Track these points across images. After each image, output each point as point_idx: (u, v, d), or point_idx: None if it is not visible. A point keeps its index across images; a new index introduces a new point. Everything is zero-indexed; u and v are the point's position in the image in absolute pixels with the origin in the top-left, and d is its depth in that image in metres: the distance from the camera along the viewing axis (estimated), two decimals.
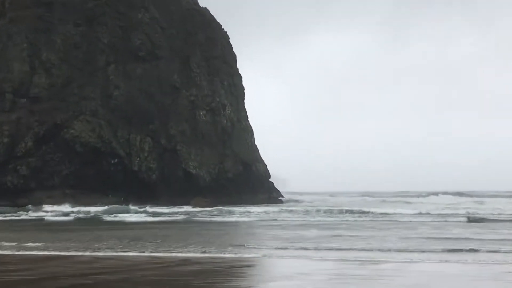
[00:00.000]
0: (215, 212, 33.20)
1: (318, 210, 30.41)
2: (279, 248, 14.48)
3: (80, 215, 32.44)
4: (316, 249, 14.34)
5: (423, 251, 13.82)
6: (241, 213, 31.51)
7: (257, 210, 32.81)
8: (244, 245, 15.30)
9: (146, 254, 13.47)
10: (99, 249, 14.38)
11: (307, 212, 30.62)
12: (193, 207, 39.15)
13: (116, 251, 13.93)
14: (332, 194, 73.15)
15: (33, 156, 45.78)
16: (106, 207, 36.85)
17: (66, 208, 36.44)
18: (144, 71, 50.91)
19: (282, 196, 57.72)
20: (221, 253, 13.70)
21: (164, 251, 14.18)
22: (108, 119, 47.80)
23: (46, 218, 31.24)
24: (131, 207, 37.13)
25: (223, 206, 39.70)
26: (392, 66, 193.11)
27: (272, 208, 34.13)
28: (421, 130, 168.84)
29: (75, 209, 36.22)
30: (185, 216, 30.92)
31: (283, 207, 39.26)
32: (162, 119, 50.16)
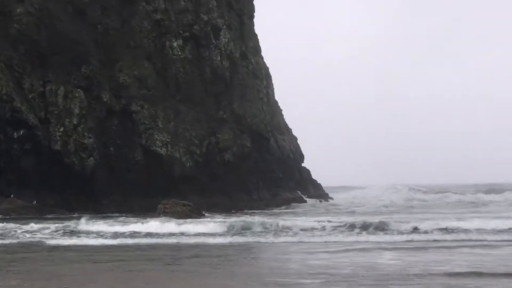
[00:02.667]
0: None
1: (378, 229, 30.66)
2: None
3: None
4: None
5: None
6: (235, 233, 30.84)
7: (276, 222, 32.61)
8: None
9: None
10: None
11: (362, 228, 30.99)
12: (141, 221, 35.43)
13: None
14: (411, 188, 76.88)
15: None
16: None
17: None
18: None
19: (327, 196, 59.59)
20: None
21: None
22: (6, 59, 47.66)
23: None
24: None
25: (216, 213, 40.78)
26: None
27: (299, 221, 33.60)
28: None
29: None
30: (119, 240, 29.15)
31: (323, 215, 40.04)
32: (104, 55, 50.54)
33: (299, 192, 55.42)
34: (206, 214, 40.39)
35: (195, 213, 40.32)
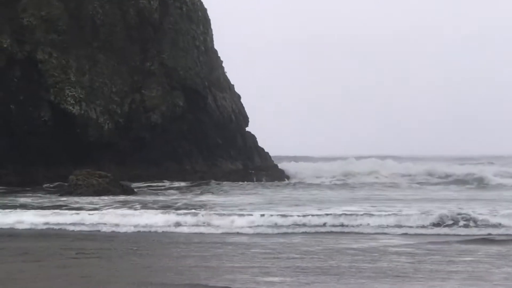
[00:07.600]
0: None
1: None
2: None
3: None
4: None
5: None
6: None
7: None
8: None
9: None
10: None
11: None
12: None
13: None
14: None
15: None
16: None
17: None
18: None
19: (276, 168, 55.82)
20: None
21: None
22: None
23: None
24: None
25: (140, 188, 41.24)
26: None
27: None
28: None
29: None
30: None
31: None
32: None
33: (241, 163, 53.55)
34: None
35: (113, 186, 39.66)
